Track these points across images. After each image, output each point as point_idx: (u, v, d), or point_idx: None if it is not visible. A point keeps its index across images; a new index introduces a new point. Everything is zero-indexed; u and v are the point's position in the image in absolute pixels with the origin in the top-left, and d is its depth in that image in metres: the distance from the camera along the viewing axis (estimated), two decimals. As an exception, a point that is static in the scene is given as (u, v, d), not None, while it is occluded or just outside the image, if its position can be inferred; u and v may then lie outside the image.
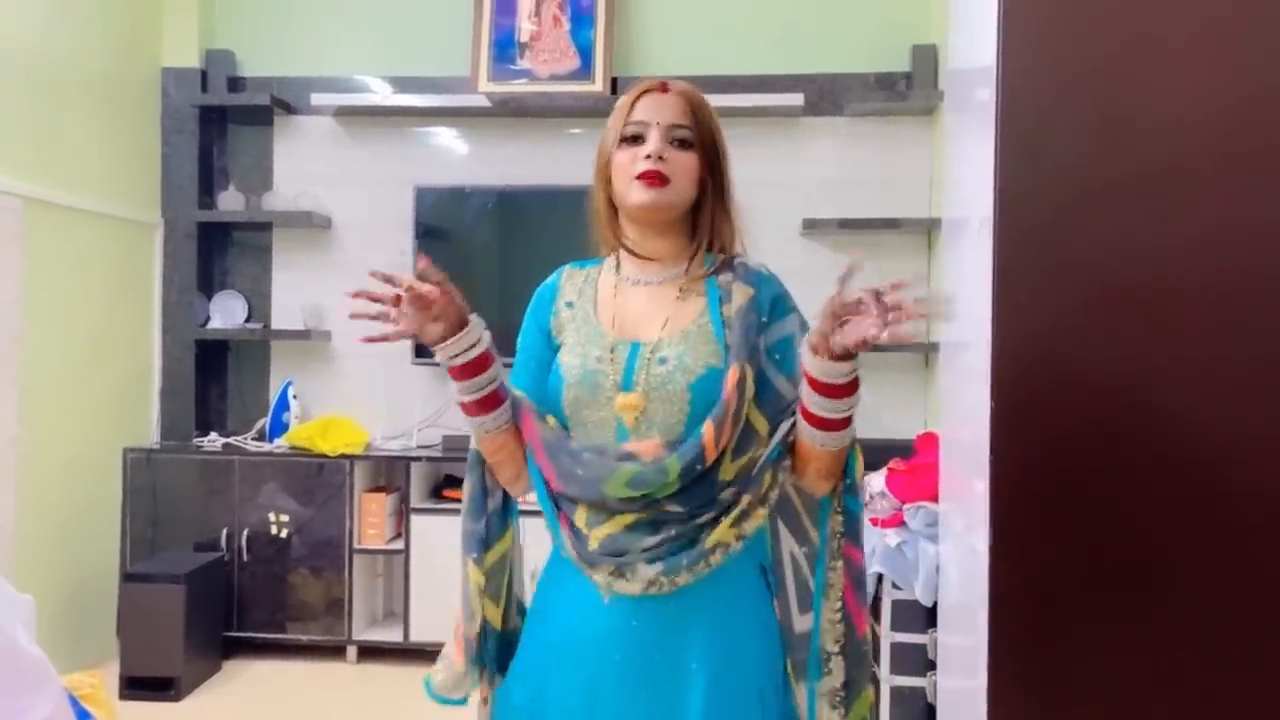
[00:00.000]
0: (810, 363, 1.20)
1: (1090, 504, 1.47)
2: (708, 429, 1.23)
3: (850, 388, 1.21)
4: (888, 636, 2.68)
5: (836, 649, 1.30)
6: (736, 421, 1.25)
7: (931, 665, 2.56)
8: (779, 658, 1.32)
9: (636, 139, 1.31)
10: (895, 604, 2.68)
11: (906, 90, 3.77)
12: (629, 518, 1.25)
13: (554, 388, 1.33)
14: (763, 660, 1.30)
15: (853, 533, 1.31)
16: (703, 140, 1.33)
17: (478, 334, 1.27)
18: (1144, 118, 1.46)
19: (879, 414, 3.75)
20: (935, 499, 2.56)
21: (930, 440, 2.95)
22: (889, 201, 3.78)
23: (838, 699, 1.31)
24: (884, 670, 2.68)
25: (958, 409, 1.96)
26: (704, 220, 1.36)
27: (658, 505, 1.24)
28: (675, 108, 1.31)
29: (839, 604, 1.30)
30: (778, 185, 3.79)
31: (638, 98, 1.33)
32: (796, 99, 3.72)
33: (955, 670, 1.96)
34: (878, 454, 3.13)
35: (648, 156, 1.28)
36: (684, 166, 1.31)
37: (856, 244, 3.80)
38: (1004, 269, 1.51)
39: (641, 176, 1.29)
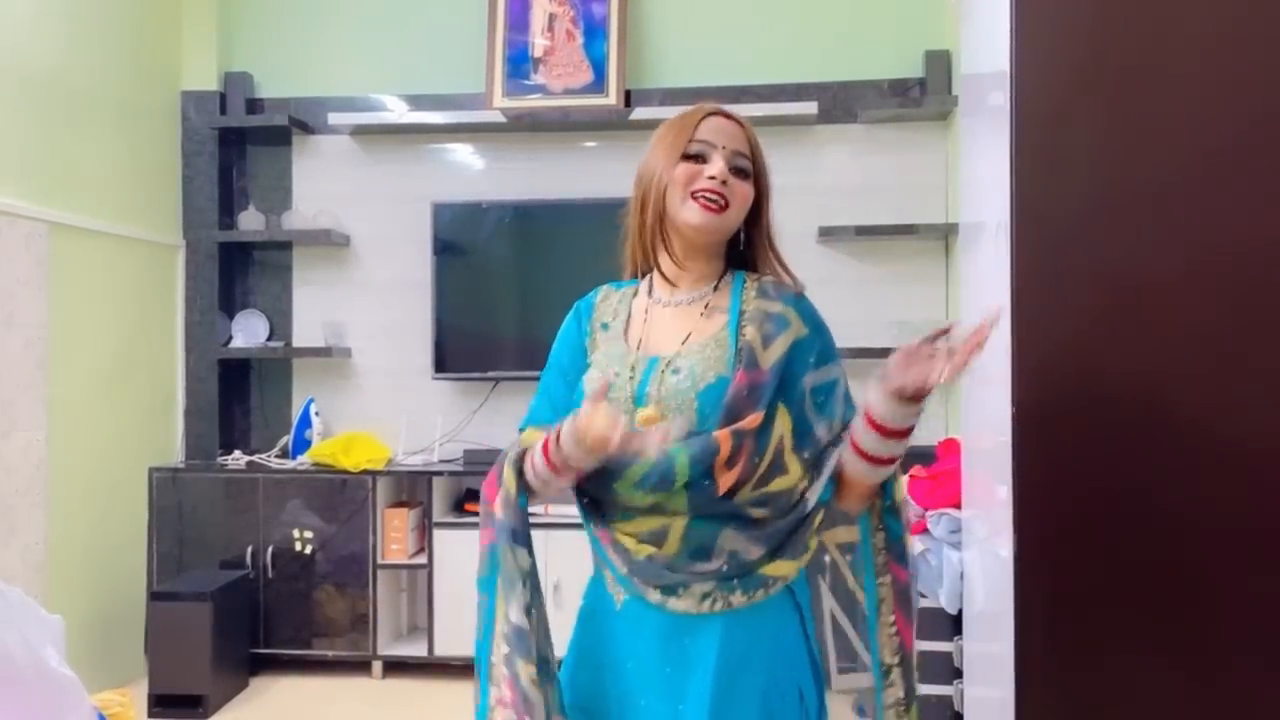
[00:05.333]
0: (880, 408, 1.21)
1: (1114, 508, 1.46)
2: (721, 432, 1.23)
3: (910, 430, 1.23)
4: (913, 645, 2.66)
5: (895, 660, 1.32)
6: (758, 442, 1.25)
7: (958, 673, 2.53)
8: (806, 675, 1.31)
9: (699, 157, 1.31)
10: (920, 612, 2.65)
11: (920, 96, 3.76)
12: (676, 534, 1.25)
13: (577, 403, 1.33)
14: (788, 668, 1.30)
15: (896, 552, 1.33)
16: (758, 172, 1.35)
17: None
18: (1158, 121, 1.45)
19: (900, 421, 3.70)
20: (958, 506, 2.54)
21: (952, 446, 2.94)
22: (905, 207, 3.76)
23: (902, 709, 1.33)
24: (910, 679, 2.65)
25: (979, 415, 1.96)
26: (751, 249, 1.39)
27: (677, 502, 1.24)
28: (739, 136, 1.33)
29: (891, 618, 1.32)
30: (793, 193, 3.76)
31: (702, 119, 1.32)
32: (810, 107, 3.72)
33: (982, 678, 1.95)
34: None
35: (711, 177, 1.29)
36: (741, 195, 1.32)
37: (873, 249, 3.80)
38: (1022, 273, 1.50)
39: (701, 197, 1.29)
